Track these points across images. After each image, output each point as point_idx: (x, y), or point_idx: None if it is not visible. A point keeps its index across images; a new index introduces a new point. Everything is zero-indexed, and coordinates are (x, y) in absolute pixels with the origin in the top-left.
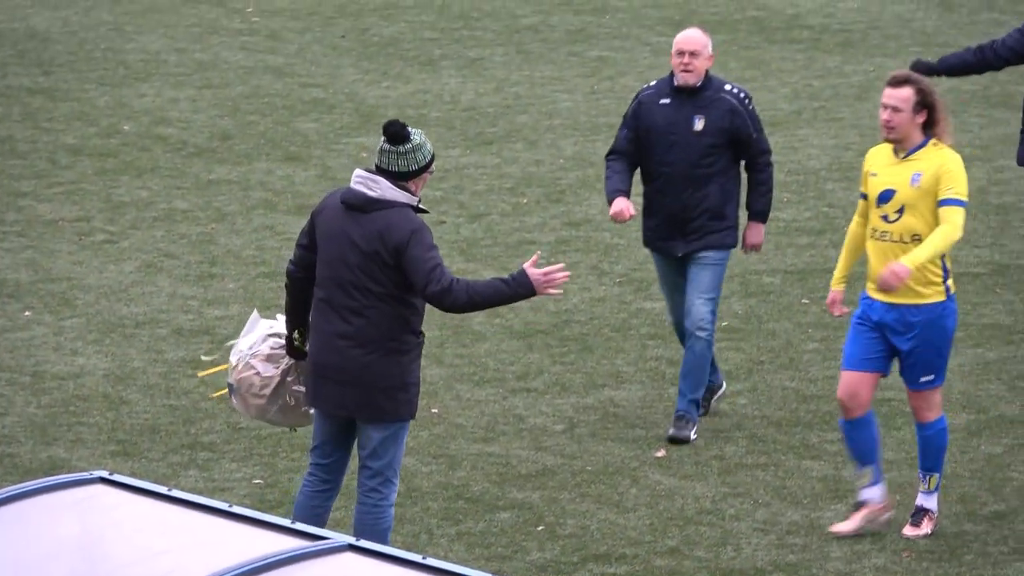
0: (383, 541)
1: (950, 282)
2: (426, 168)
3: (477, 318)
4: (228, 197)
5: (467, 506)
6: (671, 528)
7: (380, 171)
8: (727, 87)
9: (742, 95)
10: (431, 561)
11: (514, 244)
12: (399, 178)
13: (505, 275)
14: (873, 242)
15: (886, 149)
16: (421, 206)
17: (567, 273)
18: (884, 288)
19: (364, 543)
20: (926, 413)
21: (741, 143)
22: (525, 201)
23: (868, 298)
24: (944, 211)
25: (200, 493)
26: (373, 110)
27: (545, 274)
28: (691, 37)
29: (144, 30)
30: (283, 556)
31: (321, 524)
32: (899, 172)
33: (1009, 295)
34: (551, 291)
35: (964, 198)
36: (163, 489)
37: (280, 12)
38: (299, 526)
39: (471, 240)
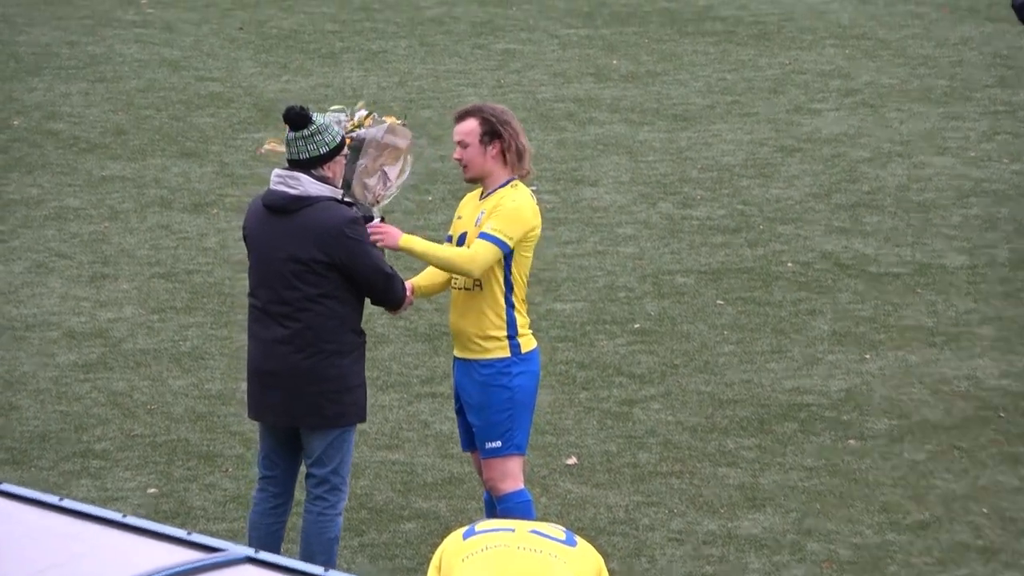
0: (330, 551)
1: (521, 339)
2: (338, 151)
3: (380, 319)
4: (122, 194)
5: (370, 516)
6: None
7: (294, 164)
8: None
9: None
10: (333, 574)
11: None
12: (312, 165)
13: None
14: (453, 292)
15: (477, 193)
16: (346, 199)
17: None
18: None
19: (263, 555)
20: (499, 484)
21: None
22: (430, 199)
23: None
24: (475, 241)
25: (93, 503)
26: (272, 104)
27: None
28: None
29: (35, 22)
30: (179, 569)
31: (277, 543)
32: (474, 213)
33: (931, 295)
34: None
35: (502, 237)
36: (54, 499)
37: (175, 3)
38: (195, 537)
39: None
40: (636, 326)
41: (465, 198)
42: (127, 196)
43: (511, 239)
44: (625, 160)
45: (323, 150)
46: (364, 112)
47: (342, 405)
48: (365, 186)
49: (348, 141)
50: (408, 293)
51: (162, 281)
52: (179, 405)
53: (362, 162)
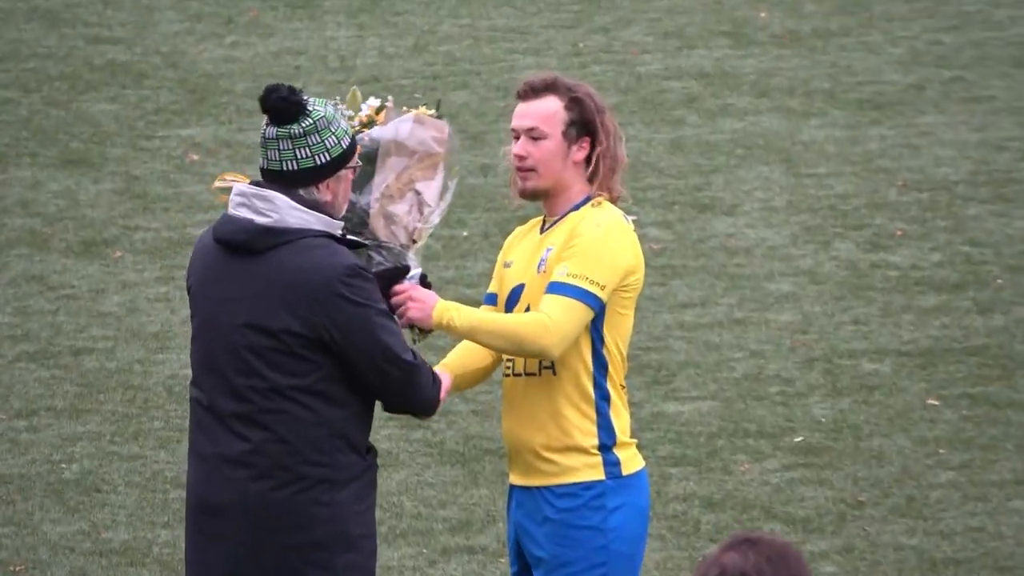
0: None
1: (621, 453)
2: (344, 160)
3: (385, 427)
4: None
5: None
6: None
7: (271, 178)
8: None
9: None
10: None
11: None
12: (300, 182)
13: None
14: (505, 382)
15: (535, 224)
16: (350, 236)
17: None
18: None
19: None
20: None
21: None
22: (465, 234)
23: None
24: (544, 299)
25: None
26: (210, 83)
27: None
28: None
29: None
30: None
31: None
32: (533, 254)
33: None
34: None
35: (587, 286)
36: None
37: None
38: None
39: None
40: (798, 440)
41: (514, 234)
42: None
43: (603, 288)
44: (780, 173)
45: (322, 159)
46: (376, 101)
47: (333, 569)
48: (391, 218)
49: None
50: (444, 387)
51: (32, 366)
52: (61, 565)
53: (381, 180)
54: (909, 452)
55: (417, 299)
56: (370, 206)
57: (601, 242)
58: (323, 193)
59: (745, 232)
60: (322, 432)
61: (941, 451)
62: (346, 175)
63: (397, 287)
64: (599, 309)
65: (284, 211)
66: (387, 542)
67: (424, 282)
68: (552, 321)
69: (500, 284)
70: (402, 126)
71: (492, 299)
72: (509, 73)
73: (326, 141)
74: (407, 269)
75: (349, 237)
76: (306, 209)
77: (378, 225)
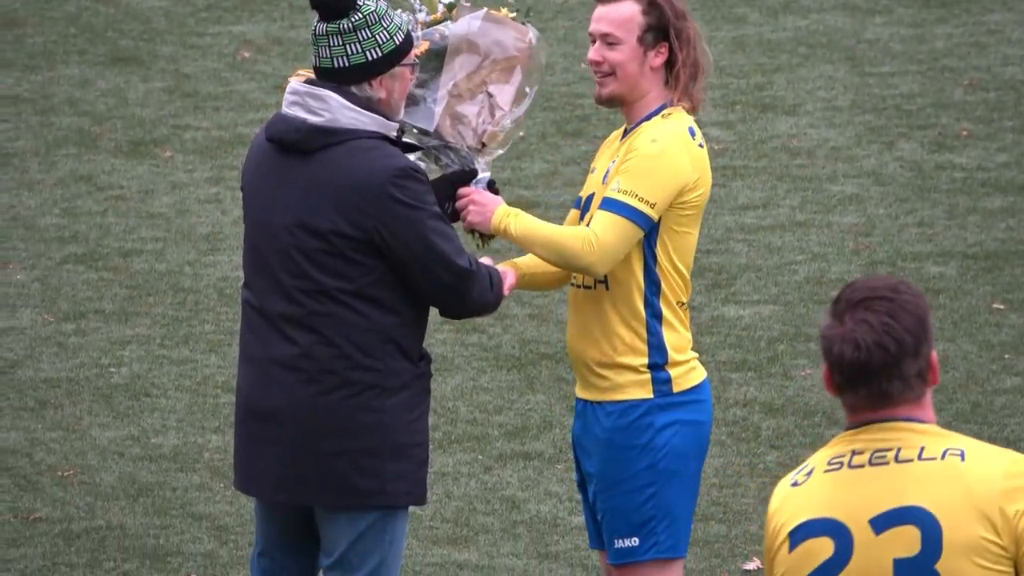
0: None
1: (674, 371)
2: (398, 56)
3: (440, 331)
4: (15, 125)
5: None
6: None
7: (325, 76)
8: None
9: None
10: None
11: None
12: (353, 79)
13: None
14: (570, 291)
15: (621, 132)
16: (406, 139)
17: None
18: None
19: None
20: None
21: None
22: (521, 134)
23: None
24: (595, 215)
25: None
26: None
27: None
28: None
29: None
30: None
31: None
32: (609, 163)
33: None
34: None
35: (635, 203)
36: None
37: None
38: None
39: None
40: None
41: (607, 139)
42: (23, 128)
43: (652, 205)
44: (844, 71)
45: (374, 54)
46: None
47: (382, 475)
48: (459, 118)
49: (424, 47)
50: (508, 284)
51: (81, 268)
52: (109, 470)
53: (448, 78)
54: (974, 357)
55: (479, 202)
56: (436, 107)
57: (655, 158)
58: (376, 90)
59: (808, 132)
60: (372, 337)
61: (1007, 356)
62: (402, 73)
63: (462, 190)
64: (648, 228)
65: (337, 111)
66: (441, 448)
67: (492, 188)
68: (596, 238)
69: (585, 190)
70: (473, 23)
71: (578, 203)
72: None
73: (377, 36)
74: (474, 173)
75: (404, 140)
76: (359, 109)
77: (444, 124)
